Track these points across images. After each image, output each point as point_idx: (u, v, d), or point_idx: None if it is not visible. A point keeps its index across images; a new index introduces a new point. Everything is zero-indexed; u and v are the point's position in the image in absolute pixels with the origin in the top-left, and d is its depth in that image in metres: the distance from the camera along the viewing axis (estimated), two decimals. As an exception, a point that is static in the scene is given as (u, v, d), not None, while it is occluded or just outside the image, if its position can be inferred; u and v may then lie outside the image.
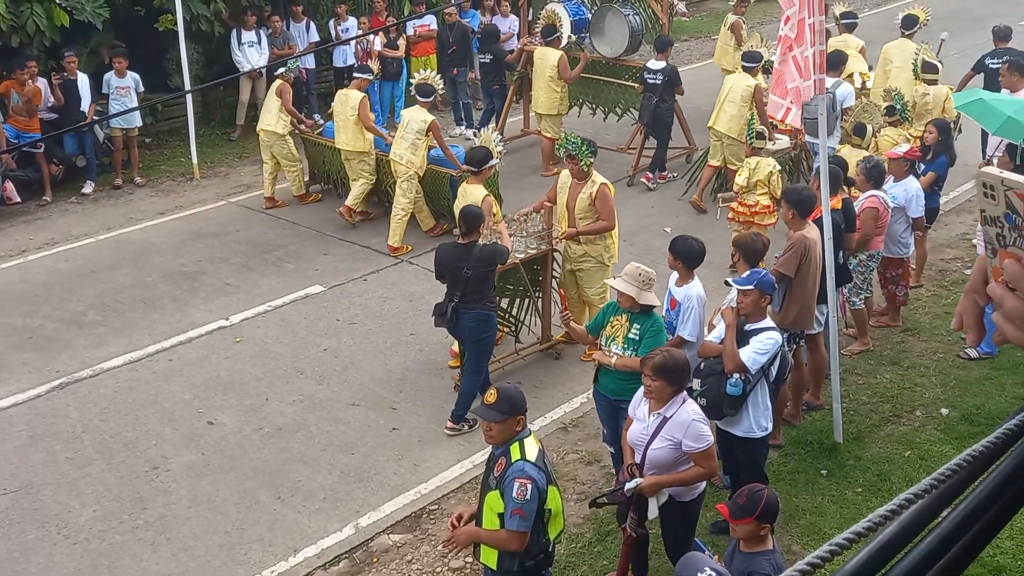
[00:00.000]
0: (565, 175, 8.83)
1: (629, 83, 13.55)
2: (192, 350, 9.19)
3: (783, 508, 6.53)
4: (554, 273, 9.06)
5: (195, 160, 13.49)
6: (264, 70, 14.49)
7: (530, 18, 15.03)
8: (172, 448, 7.79)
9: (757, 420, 6.40)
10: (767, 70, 11.41)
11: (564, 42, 13.38)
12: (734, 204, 10.14)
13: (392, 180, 11.29)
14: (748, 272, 6.57)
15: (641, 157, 13.11)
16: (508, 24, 16.51)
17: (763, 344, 6.30)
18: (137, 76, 12.92)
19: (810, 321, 7.45)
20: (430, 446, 7.81)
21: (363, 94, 11.50)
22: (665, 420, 5.59)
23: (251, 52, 14.38)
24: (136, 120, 13.10)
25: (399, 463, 7.63)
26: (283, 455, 7.70)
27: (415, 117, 10.93)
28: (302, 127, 12.45)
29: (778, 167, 10.13)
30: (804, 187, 7.92)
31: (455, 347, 8.54)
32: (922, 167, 9.46)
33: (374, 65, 12.41)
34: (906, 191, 8.88)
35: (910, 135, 10.41)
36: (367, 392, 8.52)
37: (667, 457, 5.58)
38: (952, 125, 11.24)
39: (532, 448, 5.09)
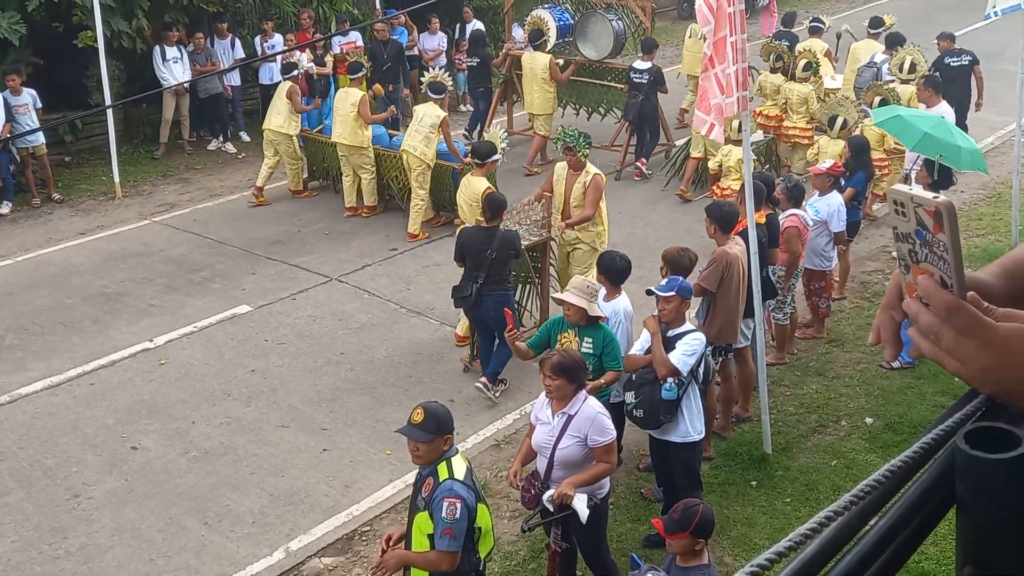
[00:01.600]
0: (561, 167, 9.46)
1: (612, 84, 14.33)
2: (115, 373, 8.96)
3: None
4: (552, 262, 9.55)
5: (117, 179, 13.20)
6: (188, 87, 14.27)
7: (520, 26, 15.46)
8: (94, 475, 7.57)
9: (692, 423, 6.53)
10: None
11: (550, 46, 14.06)
12: (713, 187, 11.11)
13: (395, 174, 12.02)
14: (667, 280, 6.68)
15: (627, 153, 13.85)
16: (437, 41, 16.55)
17: (690, 346, 6.44)
18: (34, 92, 12.60)
19: (734, 334, 7.56)
20: (361, 467, 7.72)
21: (363, 92, 12.12)
22: (570, 418, 5.70)
23: (176, 68, 14.16)
24: (40, 138, 12.70)
25: (330, 485, 7.52)
26: (210, 479, 7.54)
27: (429, 112, 11.51)
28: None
29: (752, 158, 10.59)
30: (726, 202, 8.04)
31: (459, 331, 9.09)
32: (842, 182, 9.67)
33: (364, 60, 12.87)
34: (828, 205, 9.08)
35: None
36: (296, 413, 8.39)
37: (576, 455, 5.69)
38: None
39: (460, 467, 5.06)
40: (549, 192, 9.53)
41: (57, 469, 7.63)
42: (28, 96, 12.50)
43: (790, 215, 8.56)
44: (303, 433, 8.11)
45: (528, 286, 9.39)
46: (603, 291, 7.25)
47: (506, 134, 10.98)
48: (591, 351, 6.61)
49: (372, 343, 9.47)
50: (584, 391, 5.81)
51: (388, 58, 15.02)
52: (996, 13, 11.34)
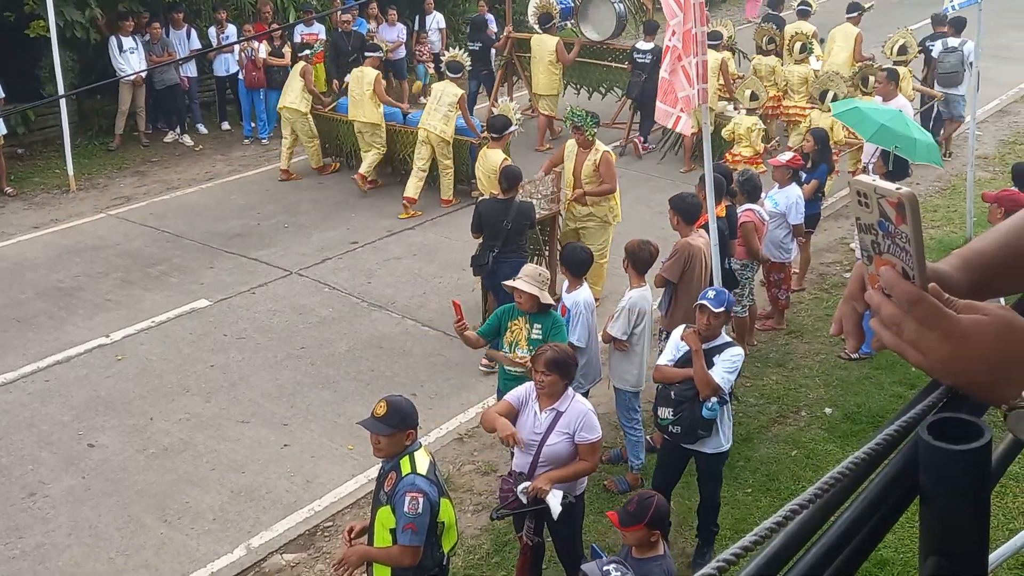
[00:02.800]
0: (571, 144, 9.81)
1: (613, 64, 14.91)
2: (70, 370, 8.82)
3: (677, 511, 6.64)
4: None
5: (71, 171, 12.98)
6: (144, 78, 14.06)
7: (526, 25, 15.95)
8: (50, 473, 7.45)
9: (725, 434, 6.43)
10: (730, 48, 14.28)
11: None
12: (726, 155, 11.68)
13: (410, 149, 12.47)
14: (715, 293, 6.41)
15: (630, 130, 14.42)
16: (396, 32, 16.43)
17: (731, 363, 6.28)
18: None
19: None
20: (323, 462, 7.67)
21: (377, 71, 12.54)
22: (559, 414, 5.65)
23: (133, 59, 13.94)
24: (0, 128, 12.49)
25: (291, 480, 7.46)
26: (169, 476, 7.45)
27: (447, 91, 12.01)
28: (320, 105, 13.43)
29: (761, 125, 11.75)
30: (689, 194, 8.08)
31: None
32: (804, 175, 9.75)
33: (381, 43, 13.24)
34: (787, 197, 9.14)
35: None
36: (257, 408, 8.31)
37: (564, 451, 5.65)
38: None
39: (423, 461, 5.03)
40: (558, 164, 9.88)
41: (12, 467, 7.50)
42: None
43: (745, 210, 8.59)
44: (264, 428, 8.04)
45: (537, 258, 9.57)
46: (566, 282, 7.28)
47: (517, 107, 11.32)
48: (540, 337, 6.65)
49: (333, 337, 9.41)
50: (571, 388, 5.77)
51: (352, 49, 14.91)
52: (954, 7, 11.53)
